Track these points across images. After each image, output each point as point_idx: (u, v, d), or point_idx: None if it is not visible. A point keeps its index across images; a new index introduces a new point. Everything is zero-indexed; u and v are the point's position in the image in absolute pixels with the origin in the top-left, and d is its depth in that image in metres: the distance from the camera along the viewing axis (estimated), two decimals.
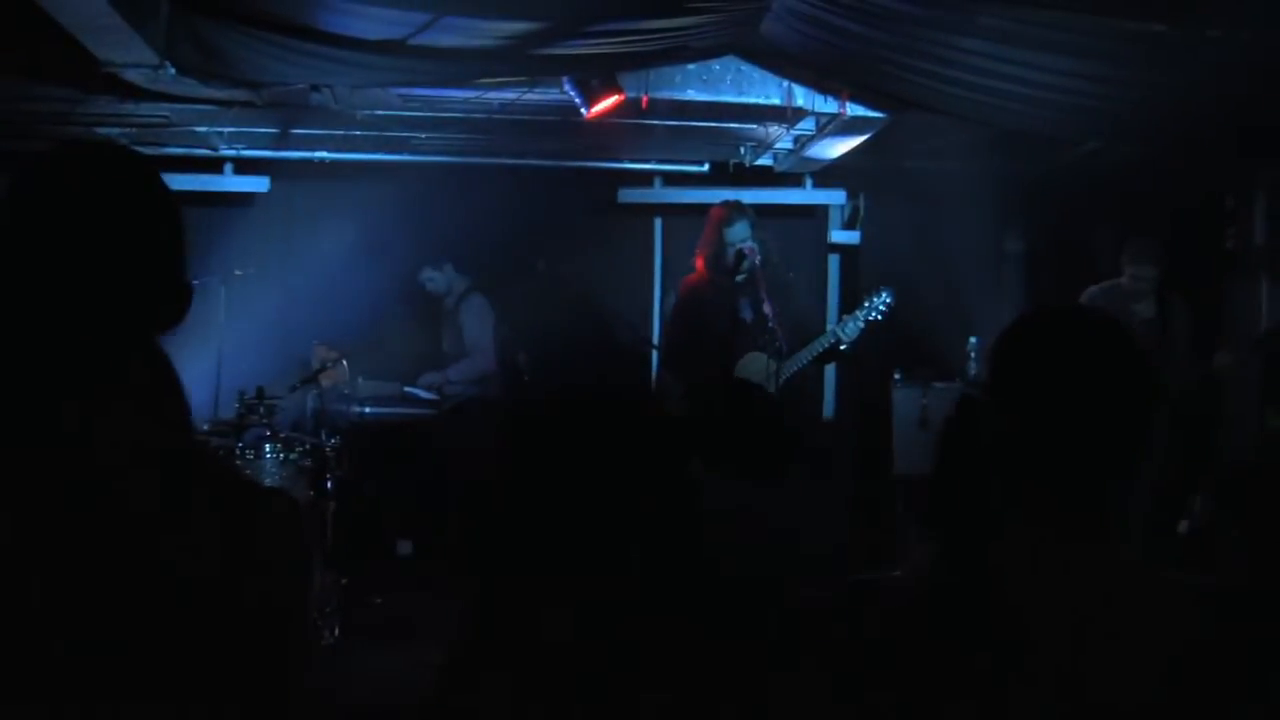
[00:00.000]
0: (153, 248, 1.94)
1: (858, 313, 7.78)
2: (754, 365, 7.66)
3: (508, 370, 9.74)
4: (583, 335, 9.78)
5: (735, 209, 7.99)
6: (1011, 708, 2.08)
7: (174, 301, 1.96)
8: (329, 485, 7.85)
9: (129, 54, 6.57)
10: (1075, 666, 2.06)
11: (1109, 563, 2.19)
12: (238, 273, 9.06)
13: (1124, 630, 2.09)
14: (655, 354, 10.44)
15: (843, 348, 7.77)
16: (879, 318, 7.77)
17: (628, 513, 2.47)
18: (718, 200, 8.39)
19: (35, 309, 1.84)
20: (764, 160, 10.11)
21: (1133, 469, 2.24)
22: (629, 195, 11.04)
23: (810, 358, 7.77)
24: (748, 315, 7.77)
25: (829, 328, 7.98)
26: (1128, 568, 2.21)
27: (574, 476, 2.49)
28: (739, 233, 7.82)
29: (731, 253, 7.79)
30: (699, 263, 8.08)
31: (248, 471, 7.47)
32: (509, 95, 8.10)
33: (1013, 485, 2.25)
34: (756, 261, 7.71)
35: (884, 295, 7.77)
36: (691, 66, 7.96)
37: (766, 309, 7.48)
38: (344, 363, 8.81)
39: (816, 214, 11.40)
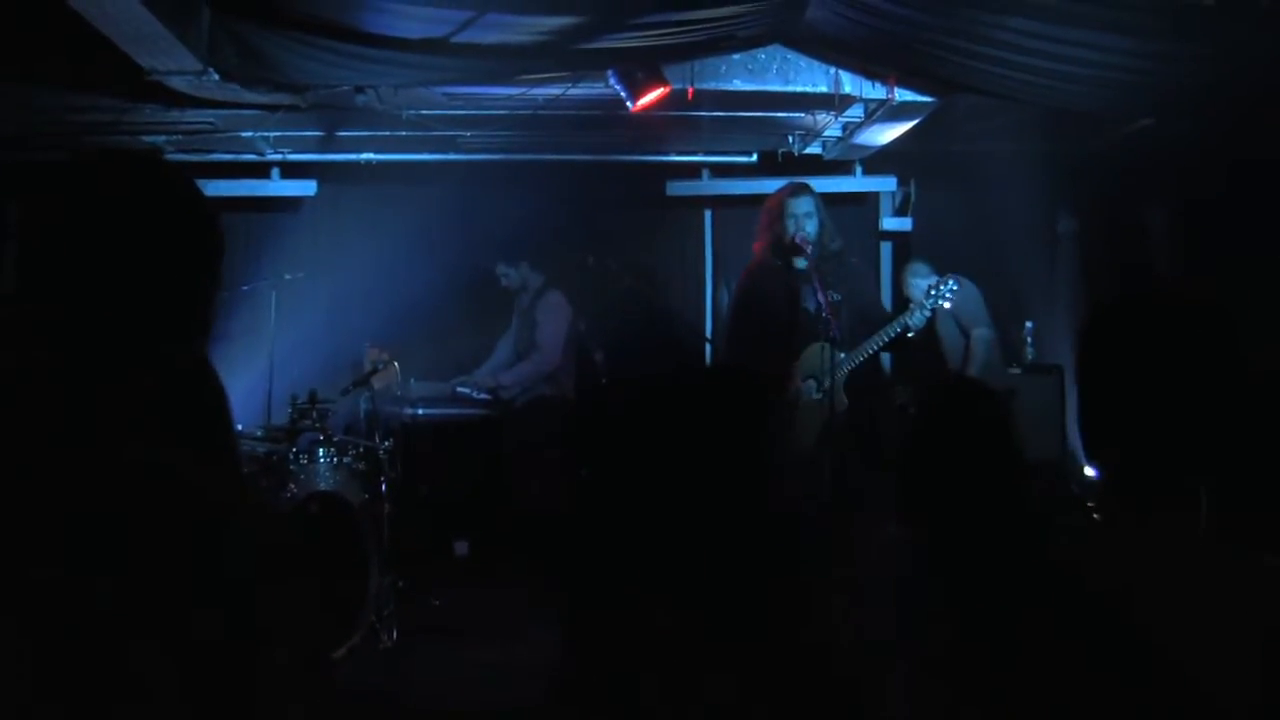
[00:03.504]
0: (172, 257, 1.93)
1: (924, 300, 7.60)
2: (817, 357, 7.54)
3: (583, 368, 9.70)
4: (646, 331, 9.76)
5: (799, 185, 7.88)
6: (1115, 695, 2.05)
7: (196, 311, 1.96)
8: (383, 488, 7.85)
9: (172, 61, 6.60)
10: (1174, 653, 2.03)
11: (1205, 552, 2.16)
12: (287, 277, 9.06)
13: (1222, 616, 2.06)
14: (709, 347, 10.43)
15: (910, 335, 7.60)
16: (945, 304, 7.63)
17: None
18: (767, 190, 8.31)
19: (52, 312, 1.85)
20: (813, 149, 10.05)
21: (1227, 456, 2.20)
22: (677, 188, 11.01)
23: (875, 348, 7.59)
24: (810, 305, 7.62)
25: (898, 317, 7.78)
26: (1222, 554, 2.18)
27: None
28: (803, 205, 7.68)
29: (794, 232, 7.65)
30: (759, 248, 7.93)
31: (302, 477, 7.49)
32: (554, 90, 8.08)
33: (1107, 475, 2.22)
34: (810, 249, 7.59)
35: (950, 283, 7.57)
36: (737, 56, 7.91)
37: (826, 297, 7.35)
38: (395, 364, 8.78)
39: (867, 201, 11.35)
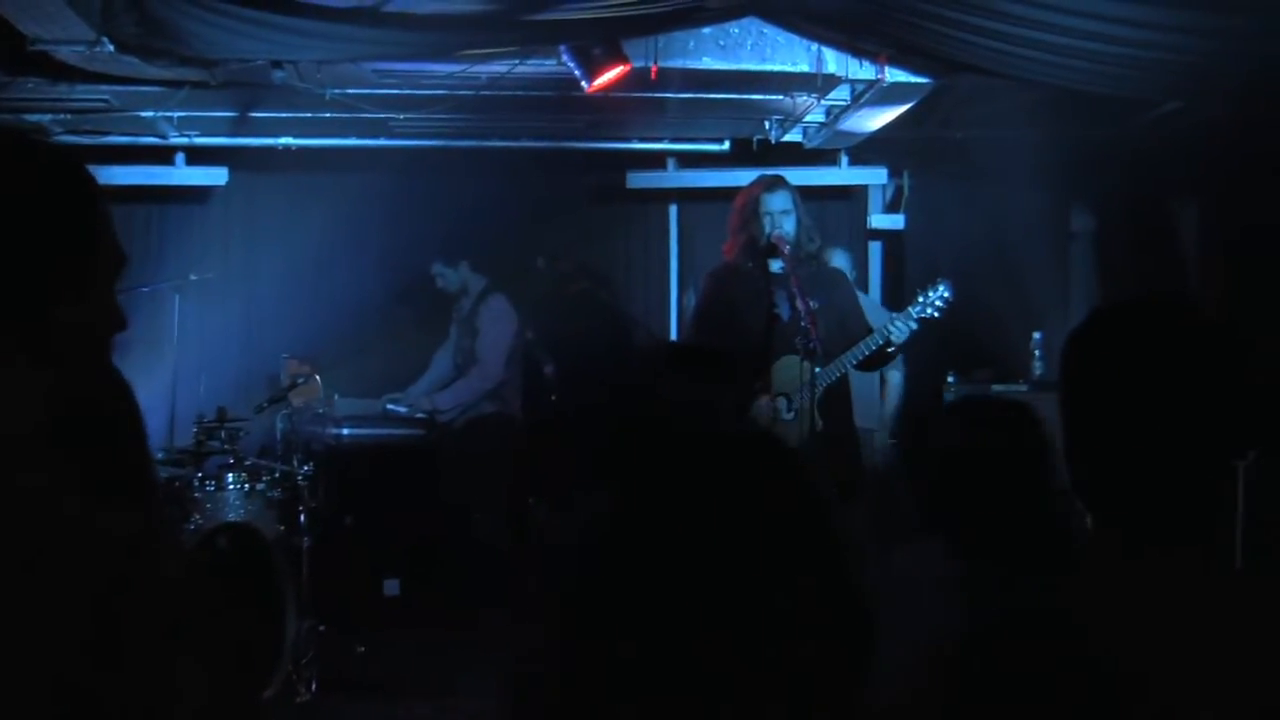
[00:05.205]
0: (57, 252, 1.91)
1: (910, 309, 7.49)
2: (789, 371, 7.47)
3: (532, 383, 9.67)
4: (603, 341, 9.74)
5: (773, 179, 7.80)
6: None
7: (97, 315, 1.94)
8: (302, 519, 7.81)
9: (60, 29, 6.55)
10: (1171, 706, 2.03)
11: (1208, 592, 2.16)
12: (193, 277, 9.03)
13: (1227, 667, 2.06)
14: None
15: (890, 350, 7.54)
16: (935, 315, 7.54)
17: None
18: (740, 182, 8.27)
19: None
20: (792, 136, 10.04)
21: (1232, 488, 2.19)
22: (639, 179, 10.99)
23: (853, 362, 7.52)
24: (785, 312, 7.55)
25: (876, 326, 7.72)
26: (1229, 596, 2.18)
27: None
28: (779, 201, 7.61)
29: (769, 230, 7.58)
30: (729, 249, 7.88)
31: (208, 506, 7.45)
32: (499, 68, 8.05)
33: (1094, 510, 2.21)
34: (787, 249, 7.54)
35: (940, 289, 7.50)
36: (706, 31, 7.91)
37: (806, 304, 7.28)
38: (317, 378, 8.76)
39: (854, 195, 11.37)
